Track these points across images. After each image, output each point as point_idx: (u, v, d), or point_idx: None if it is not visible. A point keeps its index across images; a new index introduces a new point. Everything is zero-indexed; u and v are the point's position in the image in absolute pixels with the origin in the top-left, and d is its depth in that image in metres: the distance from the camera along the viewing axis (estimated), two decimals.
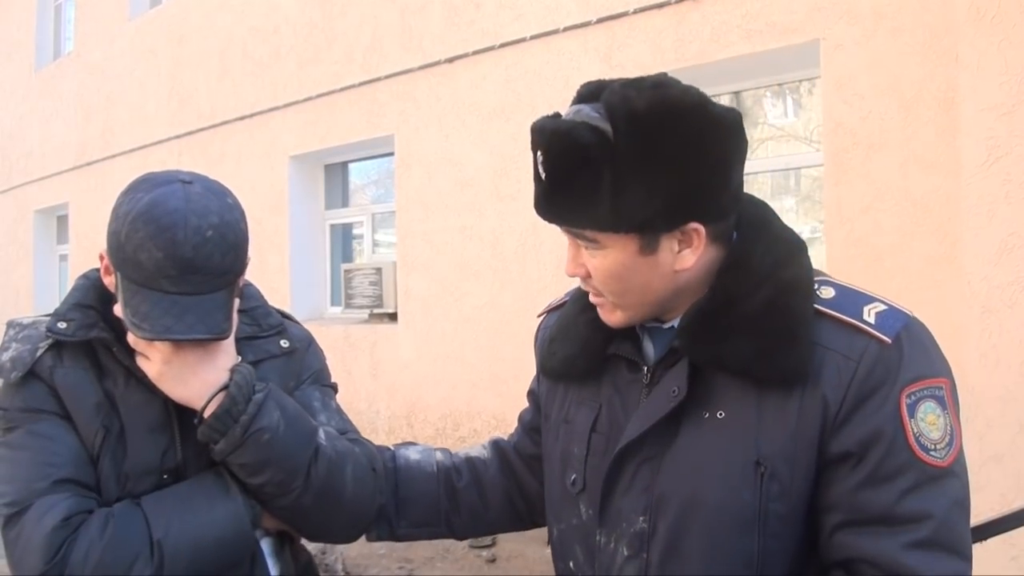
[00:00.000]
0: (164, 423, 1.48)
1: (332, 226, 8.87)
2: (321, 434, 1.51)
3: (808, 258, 1.30)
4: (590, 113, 1.19)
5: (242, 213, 1.45)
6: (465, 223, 6.88)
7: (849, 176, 4.85)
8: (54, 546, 1.30)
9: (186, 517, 1.39)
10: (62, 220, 13.32)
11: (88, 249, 12.01)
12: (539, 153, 1.23)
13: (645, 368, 1.34)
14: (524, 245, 6.45)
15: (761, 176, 6.16)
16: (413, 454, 1.72)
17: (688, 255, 1.23)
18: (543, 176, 1.23)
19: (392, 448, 1.74)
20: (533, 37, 6.45)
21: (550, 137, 1.21)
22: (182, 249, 1.33)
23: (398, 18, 7.50)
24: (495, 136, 6.70)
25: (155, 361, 1.41)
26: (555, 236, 6.09)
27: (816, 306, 1.23)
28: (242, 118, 9.09)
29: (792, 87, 5.87)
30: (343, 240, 9.04)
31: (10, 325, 1.52)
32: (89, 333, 1.46)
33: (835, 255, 4.99)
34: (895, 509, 1.14)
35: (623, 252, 1.23)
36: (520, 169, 6.49)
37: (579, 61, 6.19)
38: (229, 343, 1.48)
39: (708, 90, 5.02)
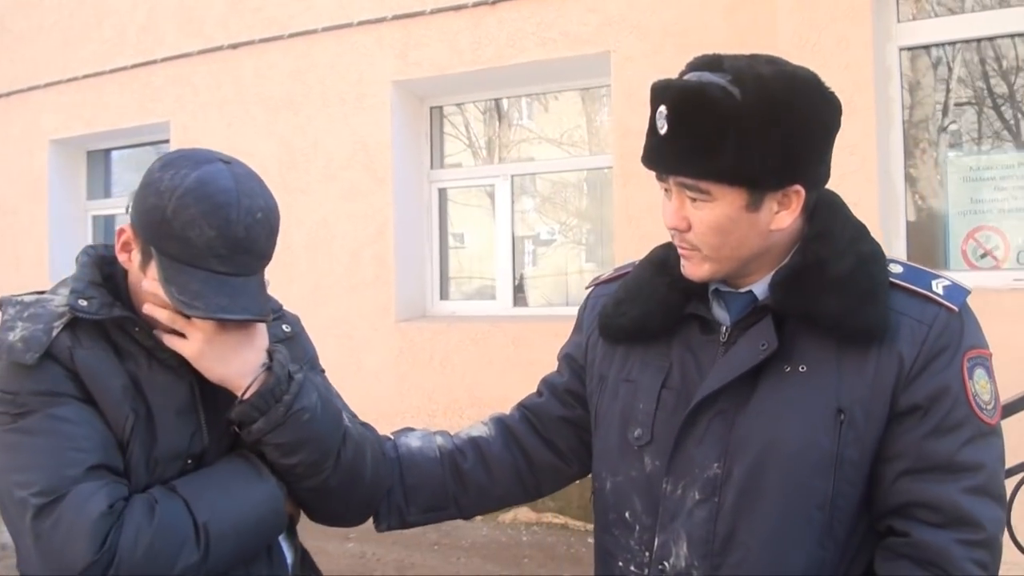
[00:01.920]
0: (190, 406, 1.44)
1: (95, 217, 8.35)
2: (345, 417, 1.53)
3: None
4: (713, 78, 1.31)
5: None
6: None
7: (637, 178, 5.16)
8: (101, 534, 1.24)
9: (226, 500, 1.37)
10: None
11: None
12: (663, 107, 1.34)
13: (722, 328, 1.45)
14: (314, 238, 6.37)
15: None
16: (414, 441, 1.75)
17: (785, 216, 1.36)
18: (663, 129, 1.33)
19: (391, 437, 1.76)
20: (325, 29, 6.38)
21: (679, 92, 1.33)
22: (235, 229, 1.32)
23: None
24: (283, 127, 6.57)
25: (195, 340, 1.38)
26: (346, 230, 6.08)
27: (889, 279, 1.38)
28: None
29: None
30: (106, 232, 8.51)
31: (8, 303, 1.41)
32: (112, 312, 1.39)
33: (623, 250, 5.30)
34: (956, 457, 1.30)
35: (730, 206, 1.34)
36: (310, 161, 6.42)
37: (373, 56, 6.19)
38: (263, 326, 1.47)
39: (501, 91, 5.15)
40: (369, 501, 1.61)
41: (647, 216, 5.13)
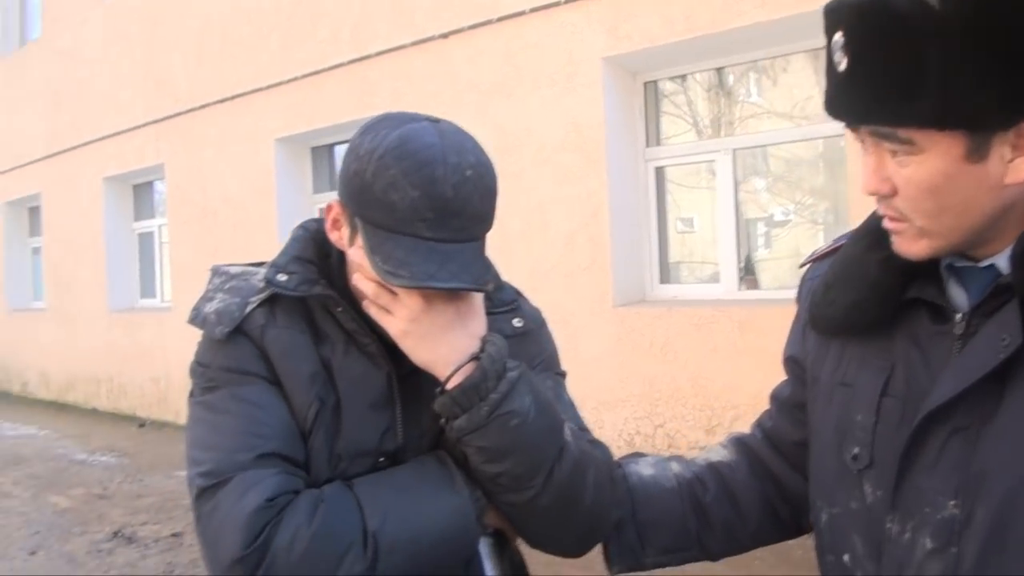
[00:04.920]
0: (386, 400, 1.30)
1: (321, 210, 8.61)
2: (567, 430, 1.30)
3: None
4: None
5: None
6: None
7: None
8: (255, 529, 1.14)
9: (406, 507, 1.22)
10: (34, 212, 12.97)
11: (64, 241, 11.70)
12: (838, 35, 1.02)
13: (957, 316, 1.10)
14: (530, 224, 6.25)
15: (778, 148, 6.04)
16: (646, 469, 1.47)
17: (1022, 164, 0.99)
18: (842, 65, 1.02)
19: (620, 464, 1.47)
20: (533, 10, 6.23)
21: (855, 13, 1.00)
22: (441, 188, 1.16)
23: None
24: (495, 113, 6.49)
25: (400, 318, 1.23)
26: (561, 215, 5.89)
27: None
28: (223, 101, 8.82)
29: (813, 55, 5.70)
30: None
31: (215, 272, 1.36)
32: (312, 289, 1.28)
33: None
34: None
35: (945, 157, 0.99)
36: (524, 146, 6.30)
37: (583, 33, 5.99)
38: (480, 309, 1.29)
39: (720, 60, 4.75)
40: (589, 531, 1.36)
41: None
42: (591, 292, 5.99)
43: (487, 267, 1.25)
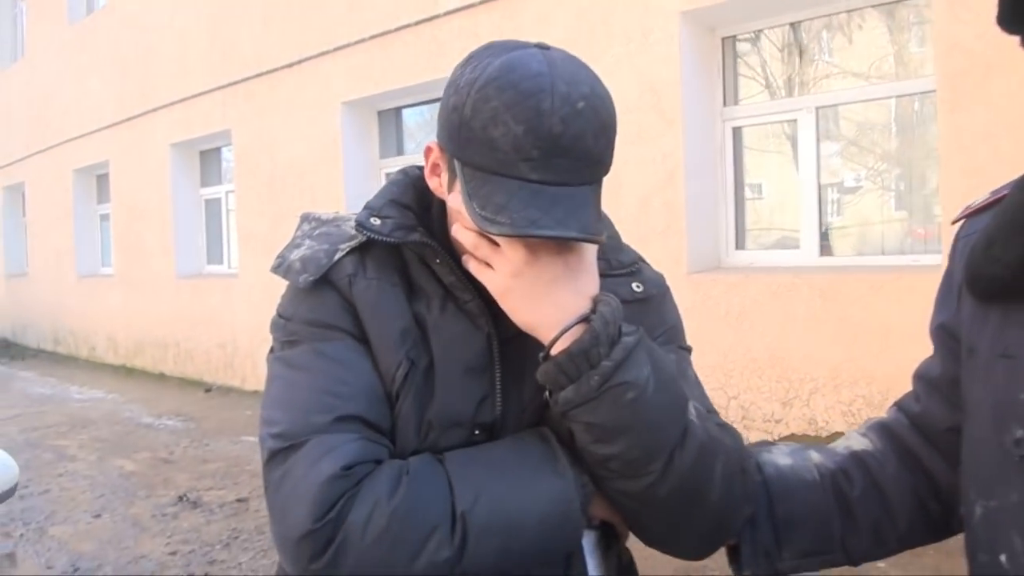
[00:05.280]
0: (485, 365, 1.15)
1: (387, 174, 8.55)
2: (691, 410, 1.12)
3: None
4: None
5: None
6: None
7: (968, 100, 4.46)
8: (328, 500, 1.01)
9: (501, 489, 1.07)
10: (102, 179, 13.11)
11: (131, 208, 11.81)
12: None
13: None
14: (602, 186, 6.05)
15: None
16: (782, 458, 1.29)
17: None
18: None
19: (752, 453, 1.28)
20: None
21: None
22: (548, 121, 1.00)
23: None
24: None
25: (502, 272, 1.08)
26: (634, 177, 5.68)
27: None
28: (290, 65, 8.77)
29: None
30: None
31: (305, 219, 1.24)
32: (408, 236, 1.14)
33: (951, 187, 4.61)
34: None
35: None
36: None
37: None
38: (592, 265, 1.12)
39: (799, 14, 4.52)
40: (715, 529, 1.18)
41: (982, 144, 4.42)
42: (665, 257, 5.77)
43: (599, 215, 1.08)
